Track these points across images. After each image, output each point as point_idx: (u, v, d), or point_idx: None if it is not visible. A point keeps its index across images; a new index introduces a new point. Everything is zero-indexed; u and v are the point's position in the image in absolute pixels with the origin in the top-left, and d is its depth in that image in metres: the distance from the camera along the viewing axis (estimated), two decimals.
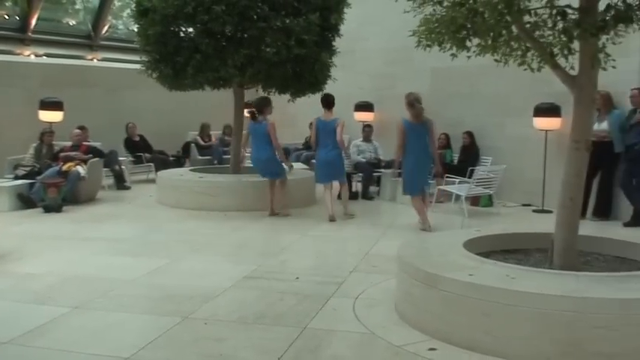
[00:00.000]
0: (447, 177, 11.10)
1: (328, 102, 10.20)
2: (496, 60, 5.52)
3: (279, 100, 12.39)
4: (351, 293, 6.11)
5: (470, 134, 12.24)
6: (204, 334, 5.13)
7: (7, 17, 13.28)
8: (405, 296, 5.42)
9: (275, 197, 10.24)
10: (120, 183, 12.98)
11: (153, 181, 12.89)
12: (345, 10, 11.34)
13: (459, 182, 10.94)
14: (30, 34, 13.49)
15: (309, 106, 12.30)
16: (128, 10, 15.15)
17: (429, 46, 5.57)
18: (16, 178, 11.24)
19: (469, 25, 5.25)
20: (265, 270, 6.98)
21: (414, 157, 9.21)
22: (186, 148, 15.12)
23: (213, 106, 14.79)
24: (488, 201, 11.17)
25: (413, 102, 9.24)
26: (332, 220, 9.76)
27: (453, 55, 5.54)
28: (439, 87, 12.98)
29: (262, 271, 6.91)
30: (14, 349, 4.77)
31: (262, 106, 10.19)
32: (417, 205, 9.34)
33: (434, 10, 5.49)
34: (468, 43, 5.41)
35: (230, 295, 6.11)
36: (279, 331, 5.15)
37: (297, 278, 6.63)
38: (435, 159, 9.58)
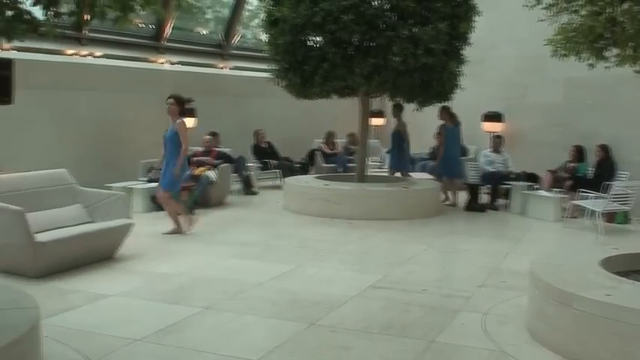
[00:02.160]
0: (582, 192, 10.64)
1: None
2: (636, 71, 5.24)
3: (406, 109, 12.35)
4: (480, 308, 5.96)
5: (604, 148, 11.68)
6: (330, 341, 5.13)
7: (142, 26, 13.85)
8: (536, 314, 5.22)
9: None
10: (247, 188, 13.27)
11: (279, 187, 13.10)
12: (475, 18, 11.12)
13: (594, 197, 10.44)
14: (164, 42, 14.03)
15: (435, 115, 12.18)
16: (257, 20, 15.51)
17: (565, 55, 5.37)
18: (150, 181, 11.68)
19: (608, 35, 5.01)
20: (391, 280, 6.91)
21: None
22: (311, 155, 15.28)
23: (338, 115, 14.89)
24: (624, 218, 10.62)
25: None
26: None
27: (591, 65, 5.31)
28: (573, 97, 12.53)
29: (388, 281, 6.85)
30: (148, 346, 4.95)
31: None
32: None
33: (571, 18, 5.29)
34: (607, 53, 5.17)
35: (356, 304, 6.10)
36: (405, 343, 5.08)
37: (424, 290, 6.52)
38: None
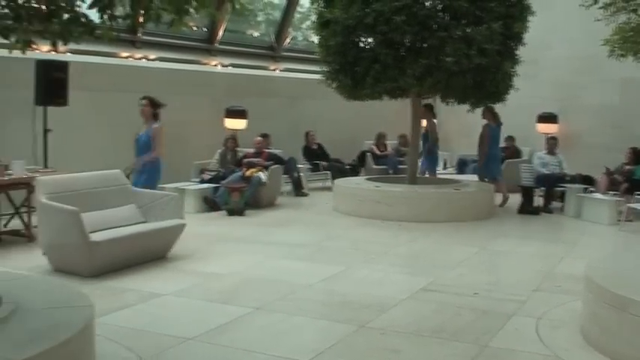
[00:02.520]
0: (638, 194, 10.38)
1: None
2: None
3: (457, 110, 12.23)
4: (534, 313, 5.84)
5: None
6: (381, 344, 5.10)
7: (195, 29, 14.01)
8: (591, 319, 5.10)
9: None
10: (298, 190, 13.30)
11: (329, 188, 13.10)
12: (529, 18, 10.95)
13: None
14: (216, 45, 14.17)
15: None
16: (307, 22, 15.56)
17: (622, 55, 5.24)
18: (202, 182, 11.82)
19: None
20: (442, 283, 6.84)
21: None
22: (361, 157, 15.24)
23: (389, 116, 14.83)
24: None
25: None
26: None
27: None
28: (630, 98, 12.25)
29: (439, 284, 6.78)
30: (199, 345, 4.98)
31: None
32: None
33: (628, 18, 5.16)
34: None
35: (406, 307, 6.05)
36: (457, 347, 5.01)
37: (476, 294, 6.44)
38: None
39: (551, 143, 12.52)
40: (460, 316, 5.77)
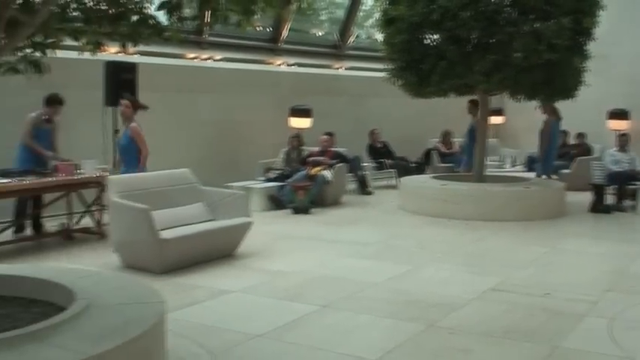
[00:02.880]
0: None
1: None
2: None
3: (525, 108, 12.01)
4: (607, 314, 5.68)
5: None
6: (450, 343, 5.04)
7: (260, 29, 14.12)
8: None
9: None
10: (363, 188, 13.26)
11: (394, 187, 13.03)
12: (599, 13, 10.67)
13: None
14: (281, 44, 14.26)
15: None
16: (371, 20, 15.51)
17: None
18: (268, 180, 11.91)
19: None
20: (512, 283, 6.70)
21: None
22: (427, 155, 15.11)
23: (455, 113, 14.65)
24: None
25: None
26: None
27: None
28: None
29: (509, 284, 6.65)
30: (268, 342, 5.02)
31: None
32: None
33: None
34: None
35: (475, 306, 5.96)
36: (528, 348, 4.92)
37: (547, 294, 6.29)
38: None
39: (623, 140, 12.17)
40: (532, 316, 5.64)
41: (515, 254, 8.17)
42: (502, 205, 10.34)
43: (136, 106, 8.82)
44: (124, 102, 8.77)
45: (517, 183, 11.37)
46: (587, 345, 5.02)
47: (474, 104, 12.51)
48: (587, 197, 11.39)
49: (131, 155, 8.71)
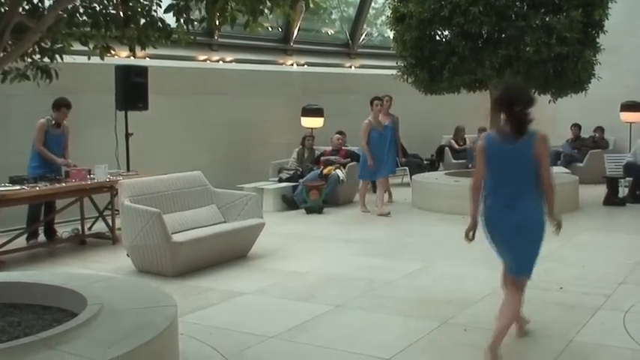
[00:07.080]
0: None
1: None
2: None
3: (538, 101, 11.92)
4: (621, 306, 5.66)
5: None
6: (465, 340, 5.02)
7: (270, 29, 14.12)
8: None
9: None
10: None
11: (407, 184, 12.99)
12: (610, 4, 10.60)
13: None
14: (292, 44, 14.25)
15: (572, 106, 11.70)
16: (382, 18, 15.47)
17: None
18: (280, 180, 11.91)
19: None
20: None
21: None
22: (440, 151, 15.05)
23: (467, 109, 14.60)
24: None
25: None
26: None
27: None
28: None
29: None
30: (281, 344, 5.01)
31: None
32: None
33: None
34: None
35: (490, 302, 5.89)
36: (543, 343, 4.90)
37: (561, 288, 6.26)
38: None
39: None
40: (546, 311, 5.63)
41: None
42: None
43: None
44: None
45: None
46: (602, 339, 4.99)
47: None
48: (600, 190, 11.31)
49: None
